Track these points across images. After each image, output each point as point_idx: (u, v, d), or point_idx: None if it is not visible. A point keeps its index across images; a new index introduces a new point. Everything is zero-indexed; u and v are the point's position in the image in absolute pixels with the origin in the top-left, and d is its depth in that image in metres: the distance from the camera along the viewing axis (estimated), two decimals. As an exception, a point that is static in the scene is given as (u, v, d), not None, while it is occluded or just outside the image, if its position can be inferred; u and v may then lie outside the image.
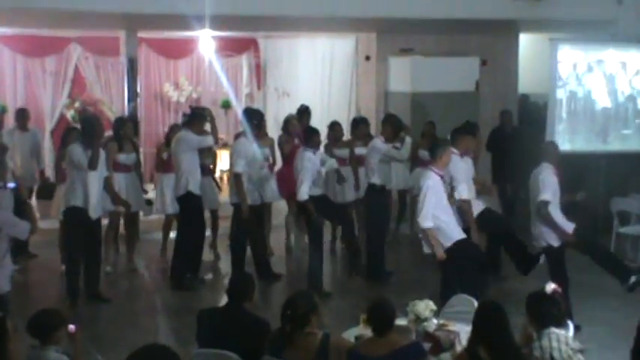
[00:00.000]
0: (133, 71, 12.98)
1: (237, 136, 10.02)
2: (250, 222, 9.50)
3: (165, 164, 10.27)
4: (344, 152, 11.03)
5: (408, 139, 10.01)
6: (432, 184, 7.78)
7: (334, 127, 11.16)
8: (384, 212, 10.15)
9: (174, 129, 10.50)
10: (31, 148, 11.01)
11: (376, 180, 9.84)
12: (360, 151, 11.11)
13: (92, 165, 8.52)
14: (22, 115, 11.27)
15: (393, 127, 9.88)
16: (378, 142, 9.89)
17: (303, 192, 9.01)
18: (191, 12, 10.27)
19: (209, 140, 9.51)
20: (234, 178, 9.41)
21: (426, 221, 7.72)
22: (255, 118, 9.69)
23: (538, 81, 13.58)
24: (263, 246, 10.00)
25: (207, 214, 10.57)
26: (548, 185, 8.23)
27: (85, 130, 8.81)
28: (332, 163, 9.91)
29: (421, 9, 11.62)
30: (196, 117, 9.53)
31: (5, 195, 6.50)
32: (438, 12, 11.73)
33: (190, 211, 9.47)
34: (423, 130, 11.90)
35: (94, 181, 8.63)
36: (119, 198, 9.27)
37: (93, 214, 8.64)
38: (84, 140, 8.65)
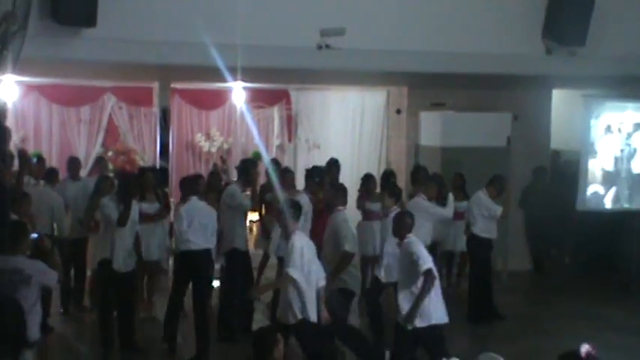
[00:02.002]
0: (166, 121, 13.09)
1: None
2: None
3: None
4: (376, 206, 10.99)
5: (451, 197, 9.89)
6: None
7: (368, 180, 11.13)
8: None
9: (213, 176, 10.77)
10: (83, 198, 10.42)
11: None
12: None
13: (121, 222, 8.61)
14: (71, 164, 11.17)
15: (438, 186, 9.75)
16: (422, 200, 9.71)
17: None
18: (224, 64, 10.35)
19: (246, 204, 9.56)
20: None
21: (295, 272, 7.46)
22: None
23: (570, 138, 13.49)
24: None
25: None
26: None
27: (120, 186, 8.88)
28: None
29: (453, 64, 11.62)
30: (243, 173, 9.66)
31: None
32: (470, 67, 11.72)
33: (235, 267, 9.46)
34: (452, 181, 11.77)
35: (125, 235, 8.71)
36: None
37: (120, 267, 8.66)
38: (118, 195, 8.73)
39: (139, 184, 9.70)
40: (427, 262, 7.33)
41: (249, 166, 9.90)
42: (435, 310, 7.44)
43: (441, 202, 9.97)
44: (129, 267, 8.79)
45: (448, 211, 9.86)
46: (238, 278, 9.52)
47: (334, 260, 8.28)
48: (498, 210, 10.39)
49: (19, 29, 6.78)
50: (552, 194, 13.24)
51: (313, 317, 7.45)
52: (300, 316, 7.41)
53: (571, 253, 14.22)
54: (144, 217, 9.60)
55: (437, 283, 7.43)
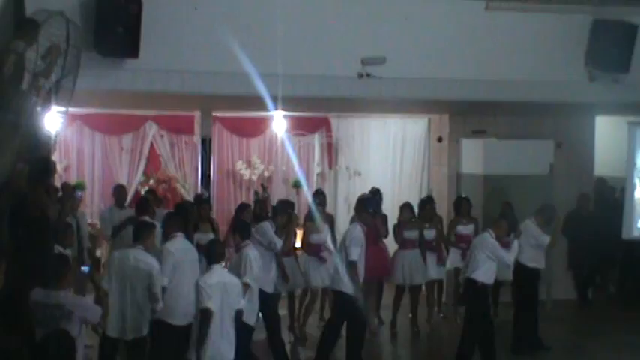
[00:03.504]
0: (207, 150, 13.14)
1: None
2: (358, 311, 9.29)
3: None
4: (413, 234, 11.01)
5: (516, 244, 9.65)
6: None
7: (403, 209, 11.21)
8: (486, 311, 9.57)
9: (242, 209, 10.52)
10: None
11: (478, 276, 9.34)
12: (427, 233, 11.09)
13: None
14: (118, 192, 11.24)
15: (508, 225, 9.59)
16: (489, 238, 9.42)
17: None
18: (265, 93, 10.39)
19: (277, 246, 9.47)
20: (350, 265, 9.11)
21: None
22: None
23: (616, 164, 13.29)
24: (363, 329, 9.65)
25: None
26: None
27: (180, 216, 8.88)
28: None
29: (495, 91, 11.55)
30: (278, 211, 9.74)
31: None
32: (512, 95, 11.63)
33: None
34: (501, 210, 11.48)
35: None
36: None
37: None
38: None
39: (196, 213, 9.72)
40: (205, 300, 7.22)
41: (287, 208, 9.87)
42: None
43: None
44: None
45: (509, 257, 9.48)
46: None
47: None
48: (546, 239, 10.29)
49: (70, 73, 6.87)
50: (596, 221, 13.03)
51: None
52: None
53: (616, 282, 13.98)
54: (197, 248, 9.59)
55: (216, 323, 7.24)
